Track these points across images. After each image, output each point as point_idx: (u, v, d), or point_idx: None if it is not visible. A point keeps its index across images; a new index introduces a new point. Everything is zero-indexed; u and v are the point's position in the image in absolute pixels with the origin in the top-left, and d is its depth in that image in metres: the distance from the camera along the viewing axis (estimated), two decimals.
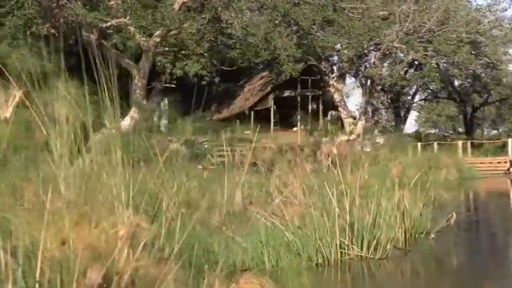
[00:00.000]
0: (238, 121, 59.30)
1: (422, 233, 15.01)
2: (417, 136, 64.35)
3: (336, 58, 57.29)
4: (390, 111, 73.48)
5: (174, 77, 57.35)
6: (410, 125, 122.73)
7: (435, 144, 46.75)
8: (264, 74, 58.37)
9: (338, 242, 11.94)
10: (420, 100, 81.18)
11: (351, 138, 48.24)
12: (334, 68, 56.56)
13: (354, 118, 56.76)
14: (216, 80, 57.21)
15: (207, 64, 57.10)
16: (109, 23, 30.83)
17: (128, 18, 30.36)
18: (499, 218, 20.72)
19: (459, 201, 23.99)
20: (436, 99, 79.86)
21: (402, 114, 71.39)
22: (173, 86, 37.45)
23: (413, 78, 59.56)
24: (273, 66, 54.10)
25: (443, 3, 52.40)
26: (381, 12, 53.09)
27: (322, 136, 50.93)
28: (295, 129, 56.41)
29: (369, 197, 12.41)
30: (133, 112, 34.25)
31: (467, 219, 18.66)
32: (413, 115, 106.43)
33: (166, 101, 67.84)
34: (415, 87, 69.13)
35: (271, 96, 57.55)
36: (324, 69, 55.74)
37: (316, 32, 49.68)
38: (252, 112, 57.86)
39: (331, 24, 49.03)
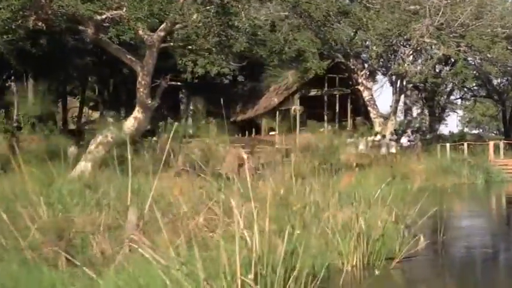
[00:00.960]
0: (264, 121, 56.93)
1: (381, 260, 11.86)
2: (452, 136, 61.17)
3: (365, 55, 53.31)
4: (425, 110, 69.84)
5: (196, 76, 55.30)
6: (453, 125, 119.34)
7: (465, 145, 43.59)
8: (291, 72, 55.50)
9: (239, 283, 8.18)
10: (456, 99, 77.80)
11: (376, 139, 45.30)
12: (365, 65, 53.07)
13: (385, 118, 53.48)
14: (239, 78, 54.45)
15: (229, 62, 54.69)
16: (104, 16, 28.40)
17: (124, 10, 27.92)
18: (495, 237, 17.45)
19: (455, 213, 21.25)
20: (474, 98, 75.85)
21: (437, 113, 67.79)
22: (179, 84, 34.82)
23: (446, 76, 56.05)
24: (298, 64, 51.10)
25: None
26: (412, 7, 50.05)
27: (347, 137, 48.29)
28: (322, 129, 53.64)
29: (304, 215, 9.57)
30: (137, 112, 31.94)
31: (450, 239, 15.04)
32: (457, 115, 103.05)
33: (191, 101, 66.01)
34: (450, 86, 65.51)
35: (296, 96, 54.85)
36: (352, 67, 53.25)
37: (332, 24, 46.77)
38: (278, 112, 55.11)
39: (347, 15, 46.26)
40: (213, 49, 35.05)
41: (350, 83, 55.32)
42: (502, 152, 43.74)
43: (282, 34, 49.26)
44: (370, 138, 46.05)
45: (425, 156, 38.85)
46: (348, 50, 51.94)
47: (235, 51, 35.21)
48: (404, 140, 46.35)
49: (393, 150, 44.69)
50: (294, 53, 51.05)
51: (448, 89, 68.10)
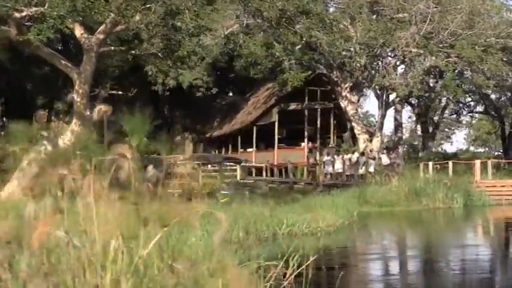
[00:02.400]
0: (239, 137, 53.04)
1: None
2: (445, 155, 57.17)
3: (348, 66, 49.36)
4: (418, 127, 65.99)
5: (167, 88, 51.63)
6: (459, 143, 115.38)
7: (450, 163, 39.55)
8: (270, 85, 51.71)
9: None
10: (451, 115, 73.64)
11: (354, 157, 41.39)
12: (349, 77, 49.06)
13: (371, 134, 49.47)
14: (214, 91, 50.77)
15: (203, 73, 50.95)
16: (24, 13, 24.67)
17: (46, 6, 24.17)
18: None
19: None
20: (470, 115, 71.80)
21: (430, 130, 63.82)
22: (120, 93, 30.87)
23: (435, 89, 52.16)
24: (276, 76, 47.39)
25: (468, 3, 45.10)
26: (398, 15, 46.29)
27: (324, 155, 44.58)
28: (302, 146, 49.75)
29: None
30: (74, 125, 27.93)
31: None
32: (463, 133, 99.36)
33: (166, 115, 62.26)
34: (444, 101, 61.55)
35: (275, 110, 51.25)
36: (335, 79, 49.12)
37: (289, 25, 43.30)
38: (255, 127, 51.24)
39: (307, 15, 42.58)
40: (159, 54, 30.88)
41: (333, 96, 51.28)
42: (490, 172, 39.63)
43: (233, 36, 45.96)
44: (347, 156, 42.08)
45: (403, 177, 34.61)
46: (331, 61, 47.78)
47: (181, 56, 30.82)
48: (384, 159, 42.18)
49: (371, 169, 40.61)
50: (270, 64, 47.27)
51: (443, 105, 63.65)
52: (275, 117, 52.71)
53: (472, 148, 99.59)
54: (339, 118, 54.27)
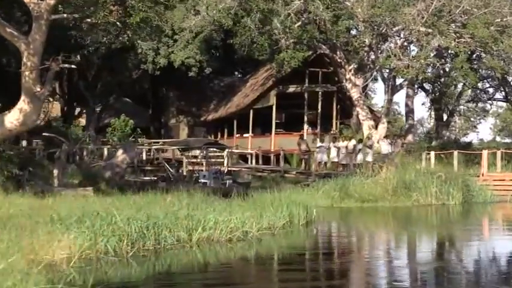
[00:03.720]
0: (235, 122, 49.19)
1: None
2: (458, 144, 52.69)
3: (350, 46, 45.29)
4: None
5: (158, 67, 47.77)
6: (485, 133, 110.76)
7: (455, 153, 35.29)
8: (269, 66, 47.80)
9: None
10: (467, 102, 69.07)
11: (350, 145, 37.36)
12: (351, 58, 45.04)
13: (376, 120, 45.41)
14: (207, 71, 46.84)
15: (196, 52, 47.02)
16: None
17: None
18: None
19: None
20: (489, 101, 67.01)
21: (445, 118, 59.46)
22: (74, 66, 26.93)
23: (444, 72, 47.93)
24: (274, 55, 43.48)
25: None
26: None
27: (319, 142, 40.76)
28: (302, 132, 45.72)
29: None
30: (22, 102, 24.16)
31: None
32: (489, 122, 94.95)
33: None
34: (460, 87, 57.06)
35: (273, 92, 47.34)
36: (338, 60, 45.08)
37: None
38: (251, 111, 47.31)
39: None
40: (117, 23, 27.01)
41: (336, 78, 47.20)
42: (499, 164, 35.29)
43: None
44: (342, 144, 38.04)
45: (393, 168, 30.41)
46: (334, 40, 43.61)
47: (133, 23, 26.91)
48: (383, 147, 38.06)
49: (369, 158, 36.69)
50: (266, 42, 43.26)
51: (459, 91, 59.15)
52: (273, 101, 49.07)
53: (498, 138, 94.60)
54: (343, 103, 50.12)
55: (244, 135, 50.88)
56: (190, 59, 47.97)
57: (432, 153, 36.71)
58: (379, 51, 46.23)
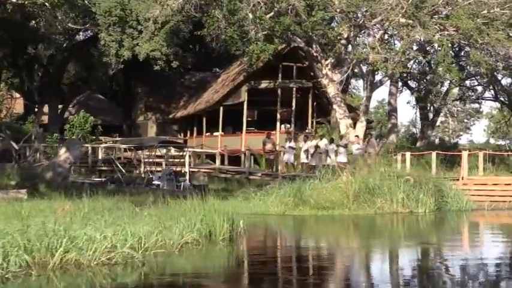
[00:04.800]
0: (205, 119, 45.75)
1: None
2: (442, 145, 49.42)
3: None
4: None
5: (122, 60, 44.25)
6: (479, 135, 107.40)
7: (434, 155, 31.85)
8: (242, 60, 44.32)
9: None
10: (454, 100, 65.70)
11: (320, 144, 34.00)
12: (328, 52, 41.80)
13: (354, 119, 42.17)
14: (174, 64, 43.19)
15: (162, 44, 43.50)
16: None
17: None
18: None
19: None
20: (478, 100, 63.52)
21: (431, 117, 56.07)
22: None
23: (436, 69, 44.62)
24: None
25: None
26: None
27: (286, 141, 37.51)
28: (270, 131, 42.24)
29: None
30: None
31: None
32: (483, 124, 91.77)
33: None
34: (447, 85, 53.71)
35: (244, 88, 43.93)
36: (314, 54, 41.73)
37: None
38: (221, 108, 43.80)
39: None
40: (46, 4, 23.67)
41: (311, 74, 43.75)
42: (481, 166, 31.80)
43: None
44: (311, 143, 34.59)
45: (364, 170, 26.81)
46: (309, 32, 40.25)
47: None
48: (354, 147, 34.69)
49: (343, 159, 33.19)
50: (234, 33, 39.88)
51: (445, 89, 55.77)
52: (244, 97, 45.91)
53: (492, 141, 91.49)
54: (319, 100, 46.70)
55: (214, 133, 47.44)
56: (155, 52, 44.57)
57: (408, 154, 33.29)
58: (357, 44, 43.00)
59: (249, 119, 47.06)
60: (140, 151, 38.60)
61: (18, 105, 59.81)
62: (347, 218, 23.54)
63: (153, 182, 32.81)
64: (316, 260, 15.06)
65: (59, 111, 55.17)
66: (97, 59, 51.50)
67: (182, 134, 52.37)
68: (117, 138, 47.78)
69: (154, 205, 18.14)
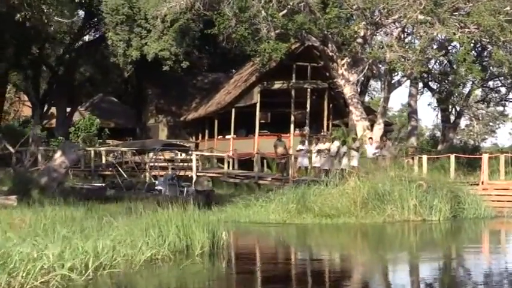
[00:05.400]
0: (216, 122, 43.90)
1: None
2: (464, 148, 47.18)
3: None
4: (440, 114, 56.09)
5: (130, 60, 42.51)
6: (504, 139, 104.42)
7: (452, 158, 29.73)
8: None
9: None
10: (477, 102, 63.24)
11: (332, 146, 32.20)
12: (344, 51, 40.02)
13: (372, 121, 40.41)
14: (184, 64, 41.35)
15: (171, 43, 41.76)
16: None
17: None
18: None
19: None
20: (500, 102, 60.98)
21: (452, 119, 53.80)
22: None
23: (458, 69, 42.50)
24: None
25: None
26: None
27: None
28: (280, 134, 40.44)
29: None
30: None
31: None
32: (508, 127, 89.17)
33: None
34: (470, 85, 51.44)
35: (256, 89, 41.94)
36: (330, 53, 39.83)
37: None
38: (233, 110, 41.91)
39: None
40: None
41: (327, 74, 41.74)
42: (502, 170, 29.58)
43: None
44: (323, 146, 32.75)
45: (379, 174, 24.72)
46: (324, 31, 38.36)
47: None
48: (370, 151, 32.68)
49: (355, 162, 31.23)
50: (245, 31, 38.05)
51: (467, 90, 53.44)
52: (256, 98, 43.67)
53: None
54: (336, 101, 44.68)
55: (227, 136, 45.51)
56: (164, 52, 42.87)
57: (424, 157, 31.13)
58: (374, 43, 40.92)
59: (262, 121, 45.37)
60: (145, 154, 36.95)
61: (28, 108, 58.40)
62: (353, 227, 21.52)
63: (156, 188, 31.09)
64: (307, 280, 13.08)
65: (67, 114, 53.57)
66: (109, 61, 49.92)
67: (194, 137, 50.69)
68: (120, 142, 46.01)
69: (133, 213, 16.19)
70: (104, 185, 32.61)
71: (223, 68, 56.29)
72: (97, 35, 53.38)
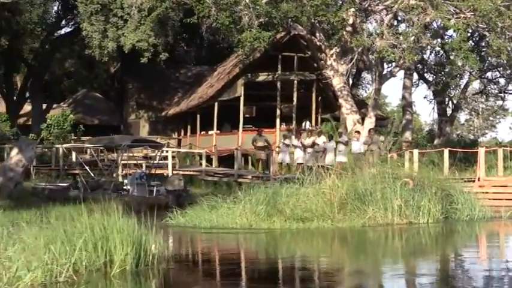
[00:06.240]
0: (199, 116, 41.27)
1: None
2: (461, 143, 44.51)
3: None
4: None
5: (105, 51, 39.78)
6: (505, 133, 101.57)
7: (446, 152, 27.01)
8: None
9: None
10: (474, 94, 60.55)
11: (318, 140, 29.54)
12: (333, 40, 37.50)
13: (363, 114, 38.21)
14: (163, 56, 38.64)
15: (149, 34, 39.06)
16: None
17: None
18: None
19: None
20: (499, 94, 58.19)
21: (449, 112, 51.15)
22: None
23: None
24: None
25: None
26: None
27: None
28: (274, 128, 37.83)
29: None
30: None
31: None
32: (508, 121, 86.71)
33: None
34: (467, 77, 48.66)
35: (240, 82, 39.13)
36: (318, 43, 37.59)
37: None
38: (216, 104, 39.18)
39: None
40: None
41: (315, 65, 39.02)
42: (500, 165, 26.91)
43: None
44: (308, 141, 29.94)
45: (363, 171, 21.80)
46: (311, 19, 35.81)
47: None
48: (356, 146, 29.97)
49: (342, 158, 28.55)
50: (226, 19, 35.40)
51: (464, 81, 50.88)
52: (240, 91, 41.05)
53: None
54: (325, 94, 41.94)
55: (210, 132, 42.73)
56: (142, 43, 40.10)
57: (415, 151, 28.38)
58: (363, 32, 38.23)
59: (247, 115, 42.65)
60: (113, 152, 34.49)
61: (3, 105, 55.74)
62: (326, 232, 18.58)
63: (125, 187, 28.48)
64: None
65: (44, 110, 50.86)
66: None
67: (176, 133, 47.97)
68: (85, 138, 43.17)
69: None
70: (66, 185, 29.99)
71: (211, 61, 53.62)
72: (74, 27, 50.68)
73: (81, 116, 53.80)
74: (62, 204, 22.64)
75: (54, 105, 55.43)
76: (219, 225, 19.27)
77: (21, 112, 52.69)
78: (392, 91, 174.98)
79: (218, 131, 42.66)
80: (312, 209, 19.35)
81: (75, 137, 41.92)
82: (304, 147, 31.81)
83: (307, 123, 42.03)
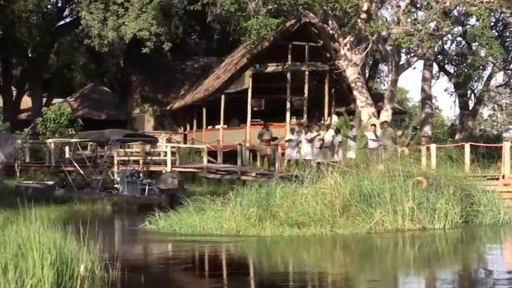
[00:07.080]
0: (205, 110, 38.82)
1: None
2: (484, 138, 41.78)
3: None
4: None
5: (105, 41, 37.49)
6: None
7: (467, 147, 24.21)
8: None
9: None
10: (498, 87, 57.77)
11: (326, 135, 27.07)
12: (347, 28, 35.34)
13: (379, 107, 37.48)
14: (166, 46, 36.25)
15: (151, 22, 36.72)
16: None
17: None
18: None
19: None
20: None
21: (471, 106, 48.35)
22: None
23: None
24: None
25: None
26: None
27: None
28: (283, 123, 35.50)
29: None
30: None
31: None
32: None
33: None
34: (490, 68, 46.07)
35: (248, 73, 36.59)
36: (330, 32, 36.81)
37: None
38: (223, 97, 36.67)
39: None
40: None
41: (328, 55, 36.41)
42: None
43: None
44: (311, 135, 27.59)
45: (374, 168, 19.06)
46: (324, 5, 33.39)
47: None
48: (369, 139, 27.48)
49: (352, 155, 27.76)
50: (232, 7, 33.07)
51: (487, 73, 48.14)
52: (248, 83, 38.60)
53: None
54: (338, 86, 39.37)
55: (217, 126, 40.20)
56: (143, 32, 37.72)
57: (433, 146, 25.51)
58: (378, 18, 35.67)
59: (256, 109, 40.17)
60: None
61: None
62: (324, 240, 15.88)
63: (115, 186, 26.17)
64: None
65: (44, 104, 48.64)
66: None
67: (182, 128, 45.53)
68: (73, 132, 40.79)
69: None
70: (52, 183, 27.62)
71: (221, 53, 51.21)
72: (74, 17, 48.44)
73: (88, 111, 51.90)
74: (45, 204, 20.79)
75: (60, 100, 53.46)
76: (202, 231, 16.67)
77: (25, 107, 50.73)
78: (414, 86, 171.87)
79: (225, 126, 40.28)
80: (309, 213, 16.65)
81: (74, 132, 39.66)
82: (310, 142, 29.38)
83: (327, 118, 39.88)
